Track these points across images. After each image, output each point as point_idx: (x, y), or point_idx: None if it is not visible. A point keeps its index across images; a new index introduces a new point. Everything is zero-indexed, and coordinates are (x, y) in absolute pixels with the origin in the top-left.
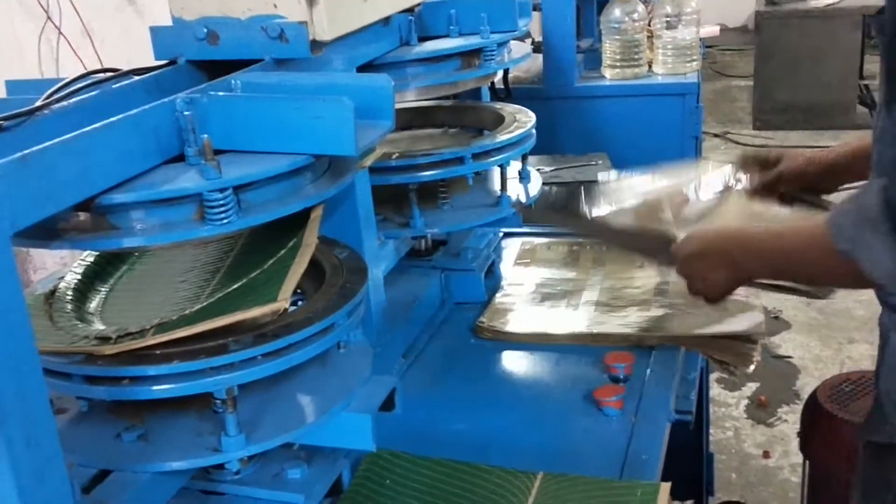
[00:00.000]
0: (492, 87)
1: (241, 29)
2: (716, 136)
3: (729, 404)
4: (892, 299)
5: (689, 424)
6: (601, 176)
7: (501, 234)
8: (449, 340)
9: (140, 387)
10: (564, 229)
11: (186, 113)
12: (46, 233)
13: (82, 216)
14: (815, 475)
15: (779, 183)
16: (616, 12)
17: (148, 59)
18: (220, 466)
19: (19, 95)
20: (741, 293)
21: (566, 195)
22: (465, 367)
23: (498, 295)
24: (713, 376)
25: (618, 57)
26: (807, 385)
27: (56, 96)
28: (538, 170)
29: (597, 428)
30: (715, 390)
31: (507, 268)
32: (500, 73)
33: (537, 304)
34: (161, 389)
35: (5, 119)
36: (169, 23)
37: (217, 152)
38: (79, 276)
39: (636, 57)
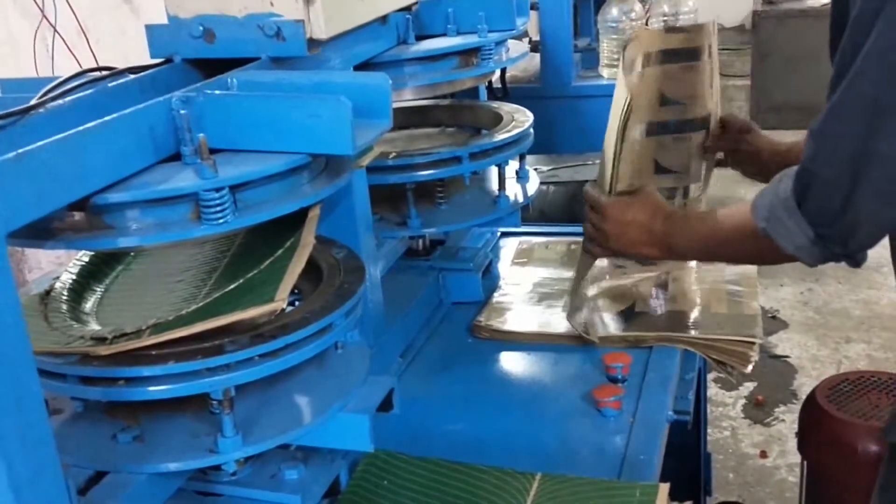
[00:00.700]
0: (489, 87)
1: (237, 27)
2: None
3: (726, 404)
4: None
5: (687, 425)
6: None
7: (499, 234)
8: (446, 340)
9: (136, 388)
10: None
11: (182, 112)
12: (41, 232)
13: (77, 216)
14: (813, 475)
15: (730, 154)
16: (613, 11)
17: (144, 57)
18: (217, 467)
19: (14, 94)
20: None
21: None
22: (463, 368)
23: (495, 294)
24: (710, 376)
25: (615, 56)
26: (804, 385)
27: (51, 95)
28: (536, 169)
29: (595, 428)
30: (712, 390)
31: (504, 267)
32: (497, 73)
33: (535, 303)
34: (157, 390)
35: (0, 118)
36: (165, 21)
37: (213, 151)
38: (74, 276)
39: None
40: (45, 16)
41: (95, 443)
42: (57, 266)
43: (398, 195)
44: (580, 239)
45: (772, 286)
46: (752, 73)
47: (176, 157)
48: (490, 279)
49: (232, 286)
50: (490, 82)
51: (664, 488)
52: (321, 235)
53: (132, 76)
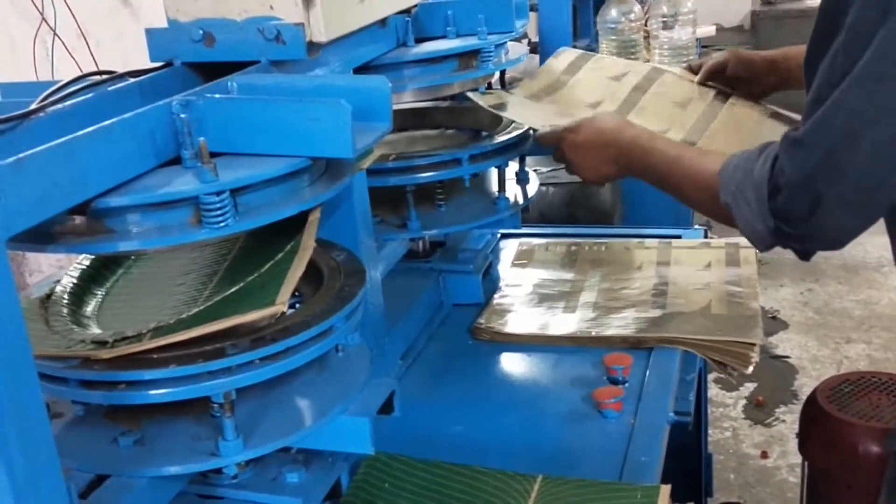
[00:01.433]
0: (489, 88)
1: (237, 30)
2: None
3: (727, 404)
4: None
5: (688, 426)
6: None
7: (499, 236)
8: (447, 342)
9: (137, 391)
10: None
11: (182, 115)
12: (42, 237)
13: (78, 220)
14: (814, 476)
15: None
16: (612, 12)
17: (144, 61)
18: (218, 471)
19: (14, 98)
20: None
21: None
22: (464, 369)
23: (496, 296)
24: (711, 376)
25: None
26: (804, 385)
27: (51, 99)
28: (536, 171)
29: (596, 430)
30: (713, 391)
31: (504, 269)
32: (497, 74)
33: (535, 305)
34: (158, 394)
35: (0, 122)
36: (164, 24)
37: (213, 155)
38: (75, 280)
39: (633, 57)
40: (44, 19)
41: (96, 446)
42: (58, 270)
43: (398, 197)
44: (580, 241)
45: (772, 286)
46: None
47: (176, 160)
48: (490, 281)
49: (233, 290)
50: (490, 84)
51: (665, 490)
52: (321, 238)
53: (132, 80)
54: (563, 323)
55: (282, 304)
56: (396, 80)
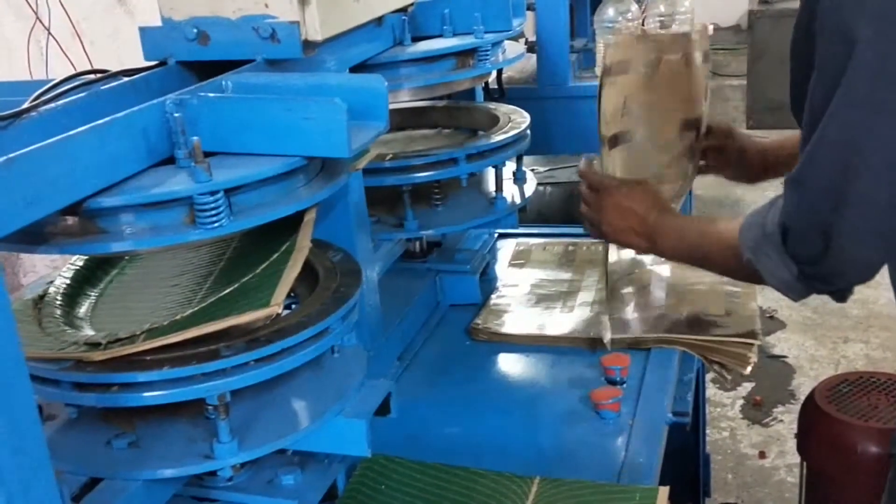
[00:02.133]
0: (485, 88)
1: (231, 29)
2: None
3: (724, 404)
4: None
5: (686, 426)
6: None
7: (496, 235)
8: (444, 343)
9: (130, 393)
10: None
11: (176, 114)
12: (34, 237)
13: (70, 220)
14: (812, 476)
15: (715, 153)
16: (610, 12)
17: (138, 59)
18: (213, 473)
19: (7, 97)
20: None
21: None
22: (461, 370)
23: (493, 296)
24: (709, 376)
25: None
26: (802, 385)
27: (44, 98)
28: (533, 170)
29: (594, 431)
30: (710, 390)
31: (501, 269)
32: (493, 73)
33: (532, 305)
34: (152, 396)
35: None
36: (159, 23)
37: (207, 154)
38: (68, 281)
39: None
40: (38, 18)
41: (90, 449)
42: (52, 270)
43: (395, 197)
44: (578, 240)
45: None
46: (747, 73)
47: (170, 160)
48: (487, 281)
49: (227, 290)
50: (486, 83)
51: (664, 492)
52: (317, 238)
53: (126, 79)
54: (561, 323)
55: (277, 306)
56: (393, 79)
